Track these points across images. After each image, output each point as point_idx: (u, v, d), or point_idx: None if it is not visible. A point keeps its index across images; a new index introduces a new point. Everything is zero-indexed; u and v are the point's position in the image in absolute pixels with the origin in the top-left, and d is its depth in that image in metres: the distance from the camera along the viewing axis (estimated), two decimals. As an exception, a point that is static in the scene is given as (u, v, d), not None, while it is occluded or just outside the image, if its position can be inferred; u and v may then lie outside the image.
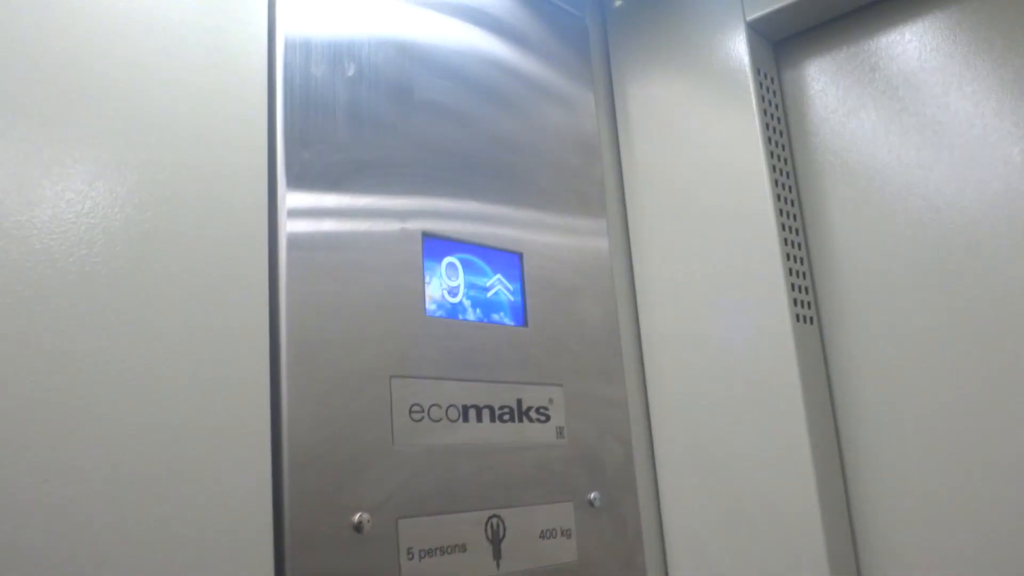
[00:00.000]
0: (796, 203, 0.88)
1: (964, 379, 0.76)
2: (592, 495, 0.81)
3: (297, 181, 0.66)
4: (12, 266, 0.51)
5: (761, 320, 0.82)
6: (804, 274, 0.85)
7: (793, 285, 0.82)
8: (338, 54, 0.72)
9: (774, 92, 0.90)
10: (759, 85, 0.88)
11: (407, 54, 0.78)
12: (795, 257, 0.84)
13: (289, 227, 0.65)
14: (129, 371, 0.55)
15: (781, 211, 0.84)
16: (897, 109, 0.83)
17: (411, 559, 0.66)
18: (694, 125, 0.92)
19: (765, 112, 0.87)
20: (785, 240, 0.83)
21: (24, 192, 0.53)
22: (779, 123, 0.89)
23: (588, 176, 0.92)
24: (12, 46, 0.54)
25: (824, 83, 0.90)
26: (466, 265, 0.77)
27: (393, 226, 0.72)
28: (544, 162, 0.87)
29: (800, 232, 0.87)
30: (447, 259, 0.76)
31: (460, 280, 0.76)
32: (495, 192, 0.81)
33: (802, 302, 0.83)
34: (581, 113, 0.94)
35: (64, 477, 0.51)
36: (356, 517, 0.64)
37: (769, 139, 0.86)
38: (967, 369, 0.75)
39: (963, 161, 0.77)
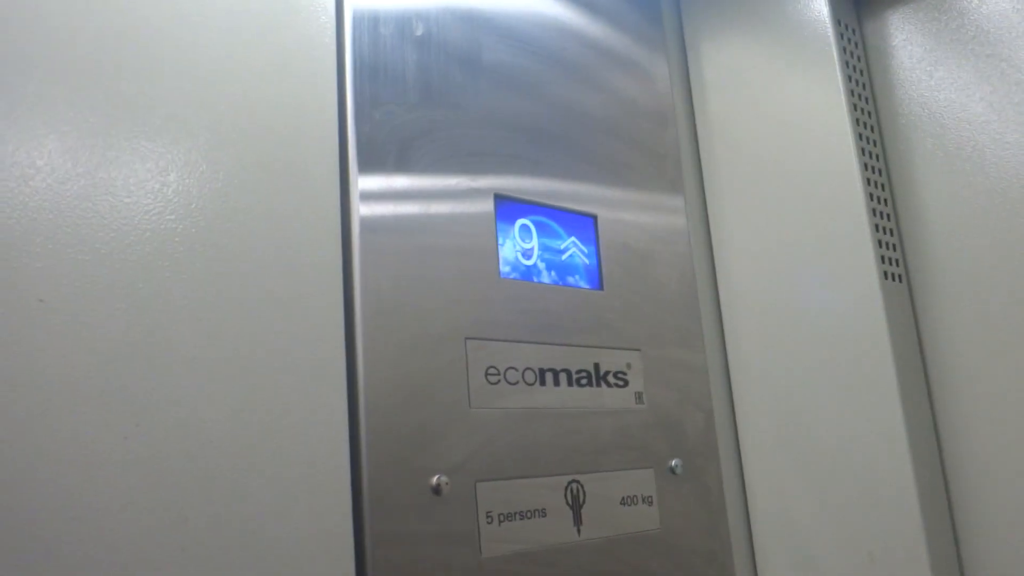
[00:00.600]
0: (881, 159, 0.84)
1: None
2: (673, 462, 0.79)
3: (369, 141, 0.66)
4: (90, 252, 0.52)
5: (847, 279, 0.79)
6: (891, 231, 0.81)
7: (880, 242, 0.79)
8: (406, 15, 0.71)
9: (856, 44, 0.87)
10: (840, 37, 0.84)
11: (474, 19, 0.76)
12: (881, 213, 0.80)
13: (362, 185, 0.64)
14: (206, 351, 0.55)
15: (866, 166, 0.80)
16: (988, 55, 0.78)
17: (490, 523, 0.65)
18: (772, 82, 0.88)
19: (847, 65, 0.84)
20: (871, 195, 0.80)
21: (97, 180, 0.53)
22: (862, 76, 0.86)
23: (663, 141, 0.89)
24: (82, 32, 0.55)
25: (909, 32, 0.85)
26: (540, 227, 0.76)
27: (464, 186, 0.71)
28: (617, 128, 0.85)
29: (886, 188, 0.83)
30: (520, 221, 0.74)
31: (534, 242, 0.75)
32: (567, 156, 0.80)
33: (890, 259, 0.79)
34: (654, 78, 0.91)
35: (147, 448, 0.51)
36: (434, 480, 0.63)
37: (852, 92, 0.83)
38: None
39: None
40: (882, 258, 0.78)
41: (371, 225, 0.64)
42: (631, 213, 0.83)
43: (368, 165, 0.65)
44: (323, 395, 0.59)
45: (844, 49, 0.84)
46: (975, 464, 0.75)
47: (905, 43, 0.86)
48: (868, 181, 0.80)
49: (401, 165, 0.67)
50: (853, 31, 0.87)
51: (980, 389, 0.76)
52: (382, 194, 0.66)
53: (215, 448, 0.53)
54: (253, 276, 0.58)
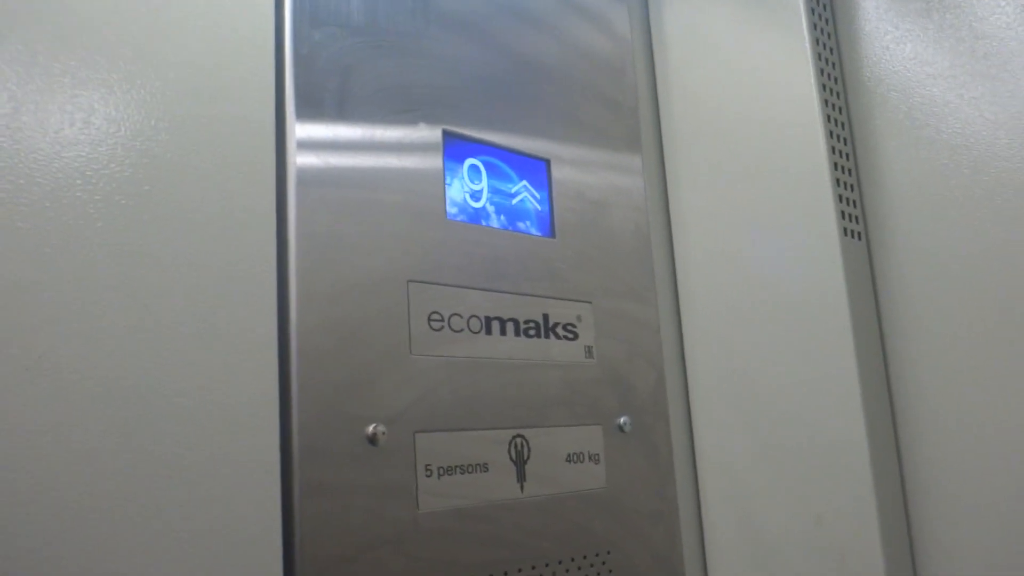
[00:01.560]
0: (844, 112, 0.81)
1: (1016, 300, 0.69)
2: (622, 419, 0.76)
3: (307, 64, 0.61)
4: (6, 192, 0.46)
5: (806, 236, 0.76)
6: (852, 186, 0.79)
7: (841, 197, 0.76)
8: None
9: (822, -6, 0.84)
10: (806, -14, 0.81)
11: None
12: (843, 168, 0.78)
13: (299, 109, 0.60)
14: (128, 291, 0.50)
15: (829, 117, 0.78)
16: (953, 6, 0.76)
17: (429, 476, 0.61)
18: (734, 35, 0.85)
19: (813, 16, 0.80)
20: (833, 149, 0.77)
21: (17, 123, 0.48)
22: (827, 26, 0.83)
23: (621, 92, 0.85)
24: None
25: (877, -16, 0.82)
26: (490, 169, 0.72)
27: (411, 120, 0.66)
28: (574, 77, 0.81)
29: (848, 142, 0.80)
30: (469, 160, 0.70)
31: (484, 184, 0.71)
32: (521, 99, 0.75)
33: (850, 215, 0.77)
34: (614, 28, 0.87)
35: (62, 387, 0.46)
36: (370, 429, 0.59)
37: (817, 45, 0.80)
38: (1020, 291, 0.69)
39: (1018, 92, 0.71)
40: (842, 214, 0.76)
41: (308, 155, 0.60)
42: (586, 161, 0.80)
43: (306, 88, 0.60)
44: (251, 335, 0.54)
45: (810, 1, 0.81)
46: (928, 426, 0.74)
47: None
48: (831, 134, 0.77)
49: (342, 92, 0.62)
50: (820, -20, 0.84)
51: (935, 350, 0.74)
52: (320, 121, 0.61)
53: (130, 389, 0.49)
54: (178, 197, 0.53)
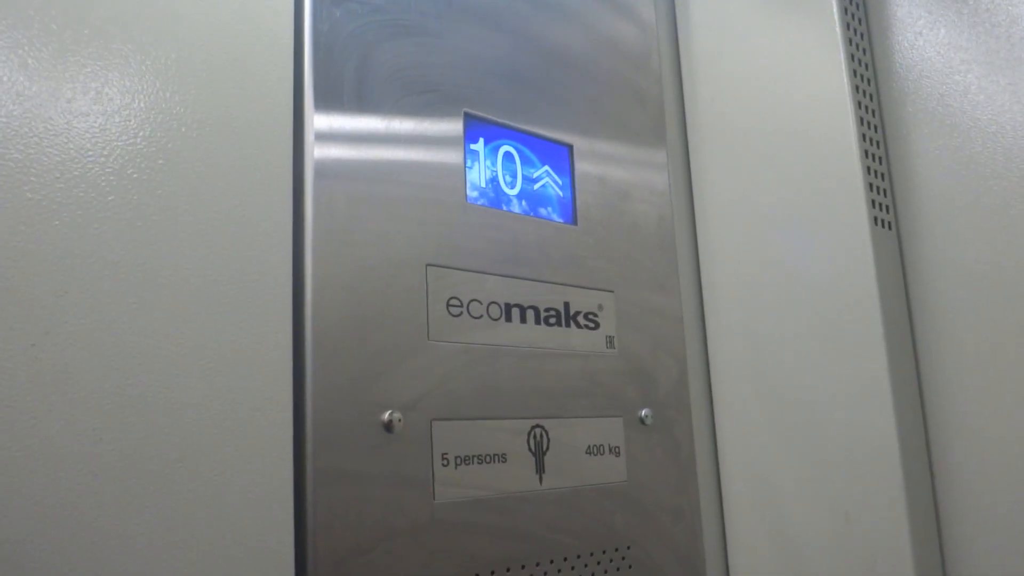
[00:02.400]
0: (875, 99, 0.79)
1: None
2: (643, 412, 0.74)
3: (327, 42, 0.59)
4: (25, 172, 0.45)
5: (835, 225, 0.74)
6: (883, 175, 0.76)
7: (871, 185, 0.74)
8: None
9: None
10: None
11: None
12: (874, 156, 0.75)
13: (317, 90, 0.58)
14: (143, 272, 0.48)
15: (859, 104, 0.75)
16: (988, 5, 0.74)
17: (446, 465, 0.60)
18: (763, 23, 0.83)
19: (846, 11, 0.78)
20: (863, 136, 0.75)
21: (30, 86, 0.46)
22: (858, 12, 0.80)
23: (646, 80, 0.84)
24: None
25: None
26: (512, 153, 0.70)
27: (432, 101, 0.65)
28: (599, 64, 0.79)
29: (879, 130, 0.78)
30: (491, 144, 0.68)
31: (505, 168, 0.69)
32: (545, 83, 0.74)
33: (880, 204, 0.75)
34: (640, 16, 0.85)
35: (68, 363, 0.45)
36: (386, 415, 0.57)
37: (848, 33, 0.77)
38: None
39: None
40: (872, 203, 0.73)
41: (327, 135, 0.58)
42: (610, 148, 0.78)
43: (325, 68, 0.59)
44: (264, 318, 0.53)
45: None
46: (958, 421, 0.71)
47: (905, -20, 0.80)
48: (861, 121, 0.75)
49: (362, 72, 0.61)
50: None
51: (967, 344, 0.71)
52: (339, 101, 0.59)
53: (144, 371, 0.47)
54: (193, 171, 0.51)
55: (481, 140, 0.68)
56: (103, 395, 0.46)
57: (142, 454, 0.46)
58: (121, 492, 0.45)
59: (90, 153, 0.47)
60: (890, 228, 0.75)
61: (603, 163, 0.77)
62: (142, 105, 0.50)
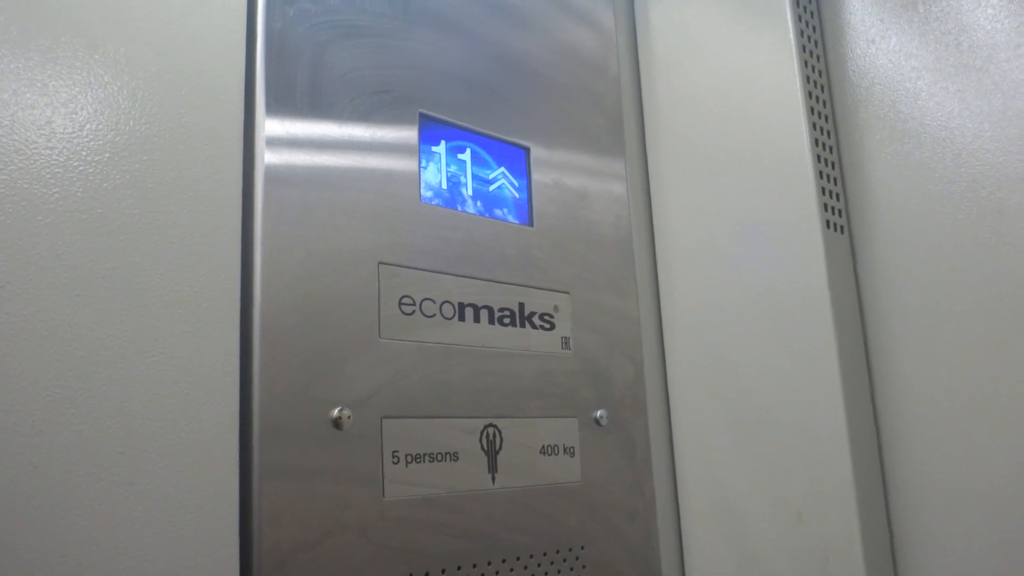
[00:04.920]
0: (828, 104, 0.80)
1: (998, 292, 0.68)
2: (599, 413, 0.74)
3: (280, 40, 0.59)
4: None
5: (789, 229, 0.75)
6: (836, 180, 0.77)
7: (824, 190, 0.75)
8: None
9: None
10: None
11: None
12: (827, 161, 0.77)
13: (269, 88, 0.58)
14: (88, 268, 0.48)
15: (812, 110, 0.77)
16: (938, 14, 0.75)
17: (396, 463, 0.60)
18: (720, 32, 0.84)
19: (798, 11, 0.79)
20: (816, 141, 0.76)
21: None
22: (812, 18, 0.82)
23: (605, 85, 0.84)
24: None
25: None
26: (467, 154, 0.70)
27: (387, 100, 0.65)
28: (558, 70, 0.80)
29: (832, 135, 0.79)
30: (446, 144, 0.69)
31: (460, 169, 0.69)
32: (502, 86, 0.74)
33: (833, 208, 0.76)
34: (599, 23, 0.86)
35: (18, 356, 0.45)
36: (335, 412, 0.57)
37: (802, 39, 0.79)
38: (1001, 284, 0.68)
39: (1002, 84, 0.69)
40: (825, 207, 0.74)
41: (278, 134, 0.58)
42: (567, 151, 0.78)
43: (278, 67, 0.59)
44: (212, 311, 0.53)
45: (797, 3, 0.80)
46: (908, 421, 0.72)
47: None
48: (814, 127, 0.76)
49: (316, 70, 0.61)
50: (806, -24, 0.83)
51: (917, 344, 0.72)
52: (291, 100, 0.59)
53: (87, 364, 0.47)
54: (140, 175, 0.51)
55: (436, 140, 0.68)
56: (44, 388, 0.45)
57: (83, 448, 0.46)
58: (61, 485, 0.45)
59: (35, 145, 0.47)
60: (843, 232, 0.76)
61: (560, 166, 0.77)
62: (89, 98, 0.50)
